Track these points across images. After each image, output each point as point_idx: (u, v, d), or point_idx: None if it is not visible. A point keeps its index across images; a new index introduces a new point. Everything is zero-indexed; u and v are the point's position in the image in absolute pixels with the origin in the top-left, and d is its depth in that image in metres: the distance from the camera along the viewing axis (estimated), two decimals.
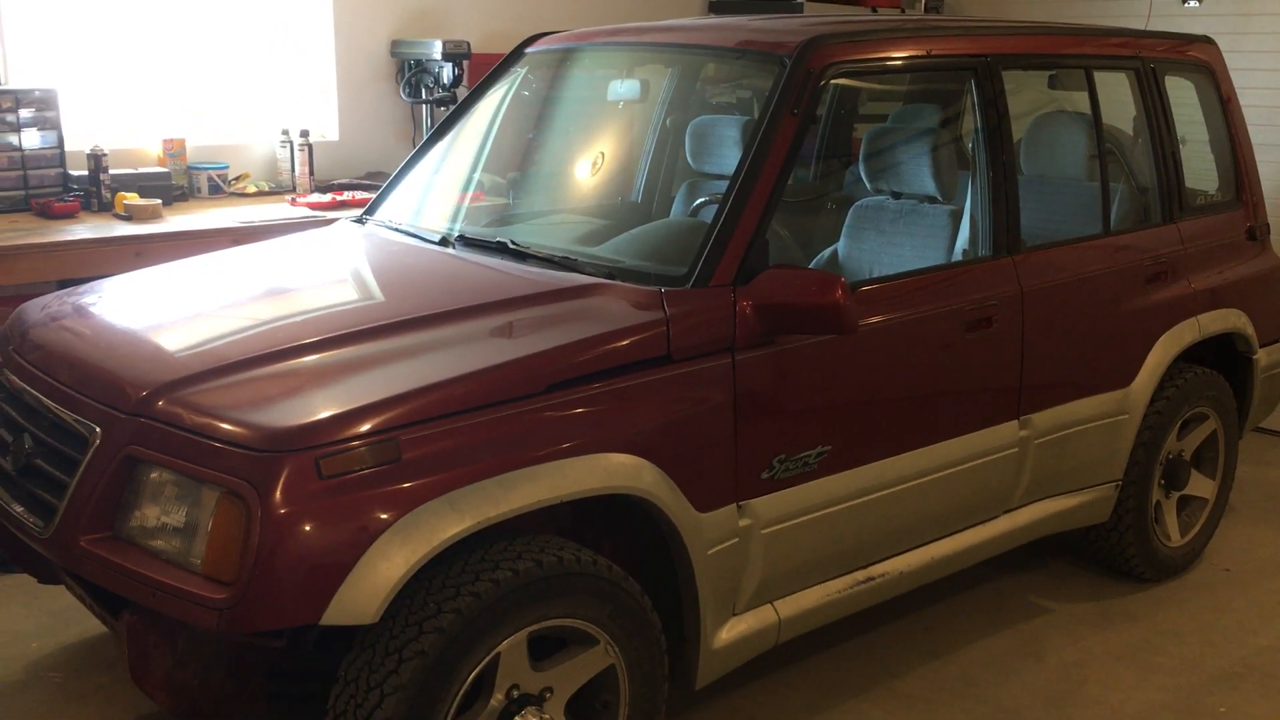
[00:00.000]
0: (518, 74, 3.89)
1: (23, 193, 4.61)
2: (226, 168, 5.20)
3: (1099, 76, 3.85)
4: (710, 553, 2.77)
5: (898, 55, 3.31)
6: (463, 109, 3.90)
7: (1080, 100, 3.92)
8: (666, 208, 4.21)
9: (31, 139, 4.62)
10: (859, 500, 3.09)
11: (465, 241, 3.29)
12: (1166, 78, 4.05)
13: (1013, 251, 3.44)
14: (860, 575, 3.21)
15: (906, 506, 3.23)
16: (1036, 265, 3.49)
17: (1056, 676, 3.52)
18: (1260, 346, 4.25)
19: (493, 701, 2.47)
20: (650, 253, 3.22)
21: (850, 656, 3.57)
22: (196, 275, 3.35)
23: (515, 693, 2.50)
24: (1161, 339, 3.87)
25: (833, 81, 3.11)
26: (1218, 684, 3.51)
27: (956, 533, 3.45)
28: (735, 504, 2.83)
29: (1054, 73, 3.95)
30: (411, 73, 5.64)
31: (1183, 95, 4.19)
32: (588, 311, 2.76)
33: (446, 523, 2.32)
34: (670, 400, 2.69)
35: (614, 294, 2.82)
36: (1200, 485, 4.19)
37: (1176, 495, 4.13)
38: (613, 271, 2.94)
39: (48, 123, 4.65)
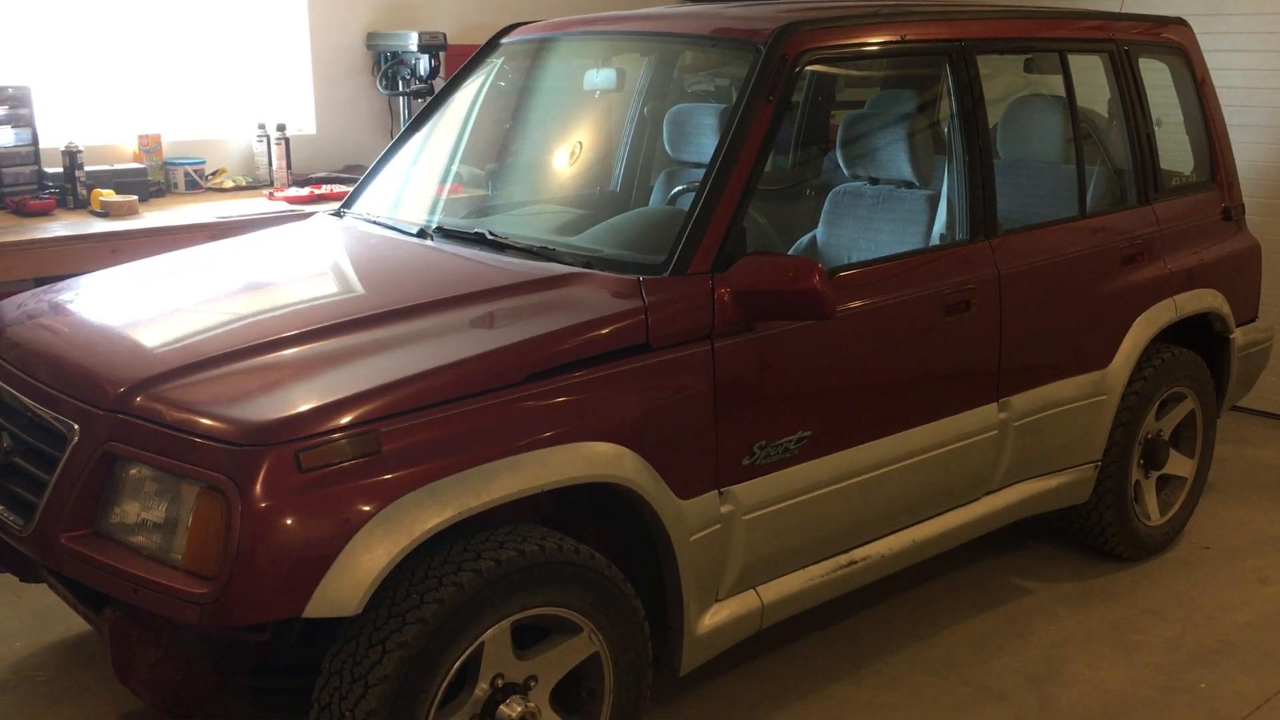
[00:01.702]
0: (494, 65, 3.89)
1: None
2: (203, 163, 5.18)
3: (1074, 59, 3.86)
4: (692, 539, 2.78)
5: (872, 41, 3.32)
6: (439, 101, 3.90)
7: (1055, 83, 3.94)
8: (645, 196, 4.21)
9: (5, 136, 4.59)
10: (840, 485, 3.11)
11: (443, 233, 3.29)
12: (1141, 60, 4.07)
13: (990, 235, 3.46)
14: (843, 559, 3.22)
15: (888, 490, 3.25)
16: (1013, 248, 3.51)
17: (1039, 656, 3.55)
18: (1236, 326, 4.29)
19: (477, 691, 2.48)
20: (628, 241, 3.22)
21: (834, 640, 3.59)
22: (174, 271, 3.34)
23: (499, 682, 2.50)
24: (1139, 320, 3.90)
25: (808, 68, 3.11)
26: (1198, 661, 3.55)
27: (937, 516, 3.47)
28: (716, 490, 2.84)
29: (1029, 56, 3.97)
30: (388, 65, 5.62)
31: (1157, 77, 4.21)
32: (566, 301, 2.77)
33: (428, 514, 2.32)
34: (650, 388, 2.70)
35: (592, 283, 2.83)
36: (1179, 464, 4.21)
37: (1155, 475, 4.15)
38: (591, 261, 2.95)
39: (21, 120, 4.63)
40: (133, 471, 2.38)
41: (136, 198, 4.62)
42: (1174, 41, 4.24)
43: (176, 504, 2.31)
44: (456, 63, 4.30)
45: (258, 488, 2.20)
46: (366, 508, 2.27)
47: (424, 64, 5.49)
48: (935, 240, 3.48)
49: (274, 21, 5.49)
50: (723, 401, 2.81)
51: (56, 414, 2.53)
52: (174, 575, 2.27)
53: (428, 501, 2.33)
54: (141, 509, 2.35)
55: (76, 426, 2.46)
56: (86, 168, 4.70)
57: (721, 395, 2.81)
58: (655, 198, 4.13)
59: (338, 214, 3.71)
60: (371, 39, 5.64)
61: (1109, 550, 4.08)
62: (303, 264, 3.38)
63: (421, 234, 3.32)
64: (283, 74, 5.56)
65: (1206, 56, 4.37)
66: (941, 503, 3.48)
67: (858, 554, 3.26)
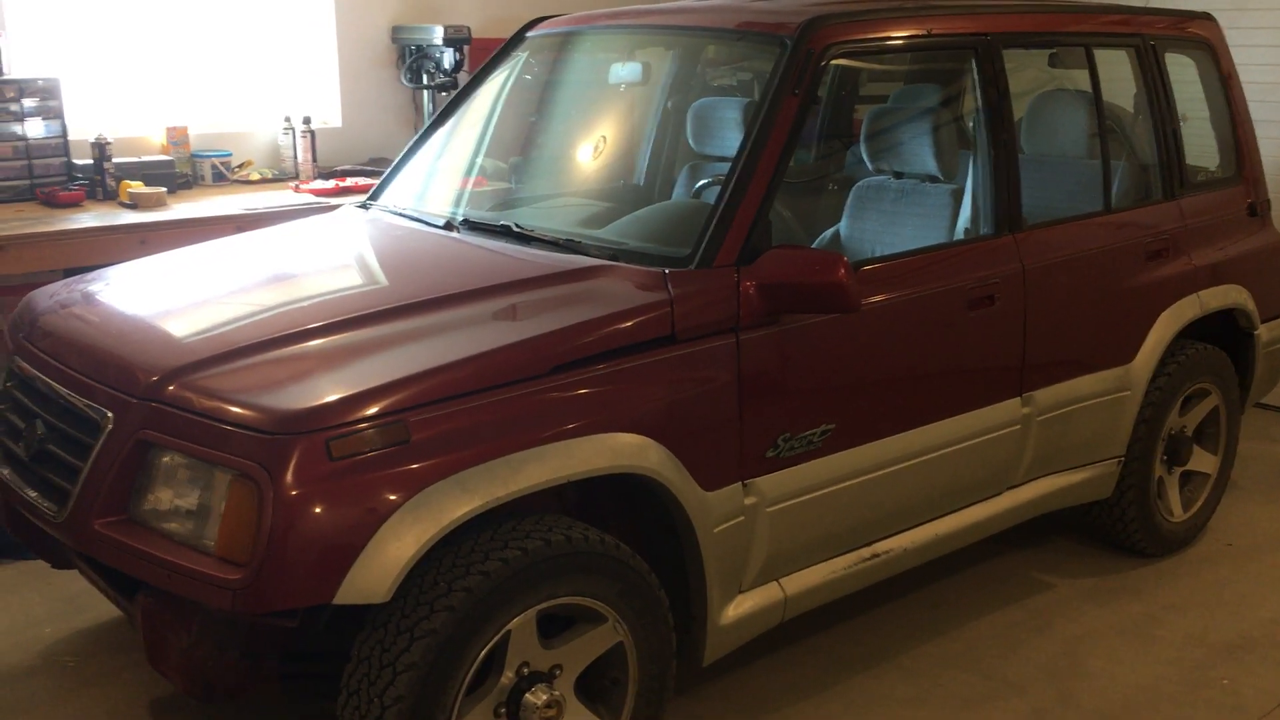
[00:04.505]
0: (519, 58, 3.90)
1: (28, 182, 4.64)
2: (230, 155, 5.22)
3: (1099, 54, 3.85)
4: (716, 531, 2.80)
5: (898, 35, 3.32)
6: (465, 94, 3.92)
7: (1081, 78, 3.93)
8: (669, 190, 4.22)
9: (35, 128, 4.64)
10: (863, 478, 3.12)
11: (469, 225, 3.31)
12: (1167, 55, 4.05)
13: (1014, 230, 3.46)
14: (865, 552, 3.23)
15: (910, 484, 3.26)
16: (1038, 243, 3.51)
17: (1060, 651, 3.55)
18: (1261, 322, 4.27)
19: (503, 679, 2.50)
20: (653, 234, 3.24)
21: (855, 633, 3.60)
22: (203, 262, 3.37)
23: (525, 670, 2.53)
24: (1163, 315, 3.89)
25: (833, 62, 3.12)
26: (1220, 657, 3.54)
27: (960, 510, 3.48)
28: (740, 482, 2.85)
29: (1054, 51, 3.96)
30: (413, 58, 5.65)
31: (1183, 72, 4.20)
32: (592, 293, 2.78)
33: (456, 503, 2.34)
34: (675, 380, 2.71)
35: (618, 275, 2.84)
36: (1202, 461, 4.20)
37: (1179, 471, 4.15)
38: (616, 253, 2.96)
39: (51, 112, 4.67)
40: (166, 459, 2.41)
41: (165, 189, 4.66)
42: (1200, 36, 4.22)
43: (209, 491, 2.34)
44: (481, 56, 4.32)
45: (289, 476, 2.23)
46: (395, 496, 2.29)
47: (449, 57, 5.52)
48: (959, 235, 3.48)
49: (300, 15, 5.52)
50: (747, 394, 2.82)
51: (90, 402, 2.56)
52: (206, 561, 2.31)
53: (456, 491, 2.35)
54: (174, 496, 2.38)
55: (110, 414, 2.49)
56: (115, 160, 4.74)
57: (746, 388, 2.82)
58: (678, 191, 4.14)
59: (364, 206, 3.74)
60: (396, 33, 5.67)
61: (1131, 546, 4.08)
62: (331, 256, 3.41)
63: (448, 226, 3.34)
64: (309, 67, 5.59)
65: (1232, 52, 4.35)
66: (964, 497, 3.48)
67: (880, 547, 3.27)
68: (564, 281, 2.85)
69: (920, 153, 3.56)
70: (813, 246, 3.66)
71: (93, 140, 4.70)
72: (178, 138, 5.05)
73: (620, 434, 2.59)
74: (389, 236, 3.43)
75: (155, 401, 2.44)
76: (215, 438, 2.33)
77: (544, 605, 2.50)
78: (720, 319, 2.78)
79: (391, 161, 3.95)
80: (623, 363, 2.64)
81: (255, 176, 5.21)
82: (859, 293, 2.78)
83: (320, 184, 5.06)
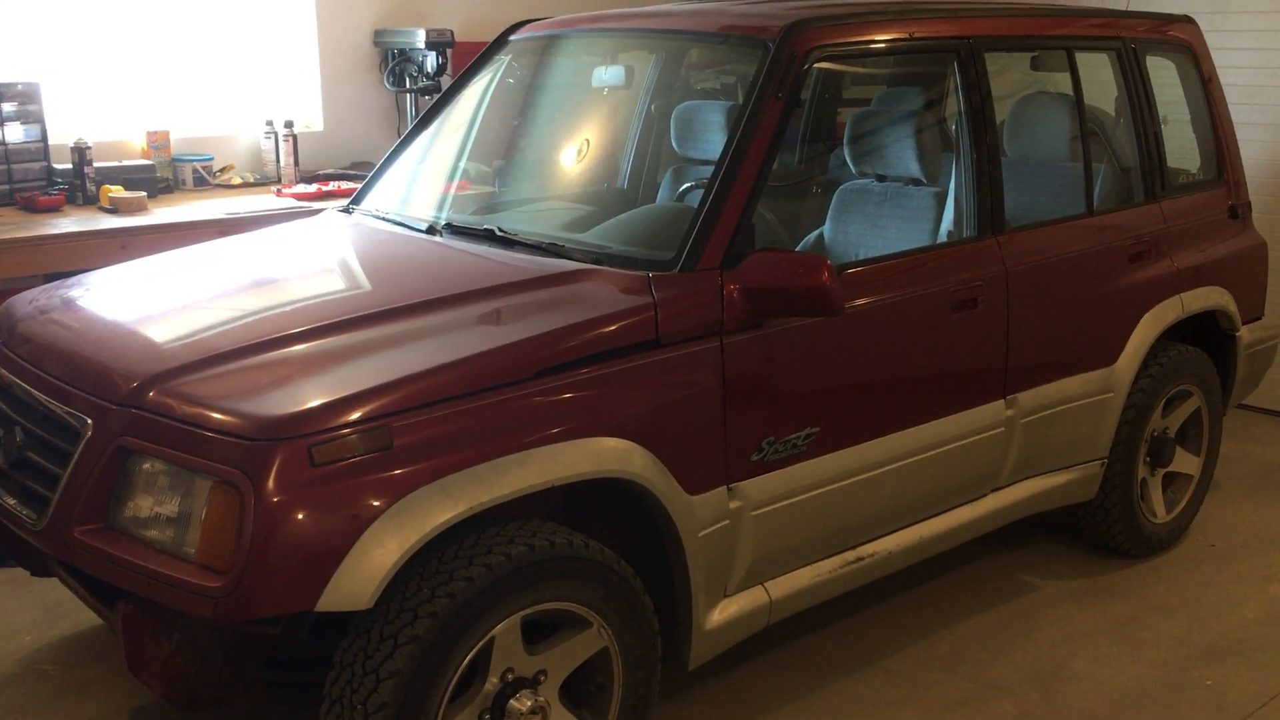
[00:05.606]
0: (502, 62, 3.90)
1: (7, 187, 4.61)
2: (211, 159, 5.20)
3: (1081, 57, 3.87)
4: (701, 535, 2.79)
5: (880, 38, 3.33)
6: (447, 98, 3.91)
7: (1062, 81, 3.94)
8: (652, 193, 4.22)
9: (15, 133, 4.62)
10: (848, 481, 3.12)
11: (452, 229, 3.30)
12: (1148, 58, 4.07)
13: (997, 232, 3.46)
14: (850, 555, 3.23)
15: (895, 486, 3.26)
16: (1021, 246, 3.51)
17: (1045, 653, 3.56)
18: (1243, 323, 4.29)
19: (487, 685, 2.49)
20: (637, 238, 3.23)
21: (841, 636, 3.60)
22: (184, 267, 3.35)
23: (510, 676, 2.51)
24: (1145, 317, 3.90)
25: (816, 65, 3.12)
26: (1204, 658, 3.55)
27: (945, 512, 3.48)
28: (725, 486, 2.85)
29: (1036, 54, 3.97)
30: (395, 62, 5.64)
31: (1164, 75, 4.22)
32: (576, 297, 2.78)
33: (439, 508, 2.33)
34: (659, 384, 2.71)
35: (601, 279, 2.84)
36: (1185, 462, 4.22)
37: (1162, 472, 4.16)
38: (600, 257, 2.96)
39: (31, 116, 4.65)
40: (146, 466, 2.39)
41: (145, 194, 4.64)
42: (1181, 39, 4.24)
43: (190, 498, 2.32)
44: (463, 60, 4.31)
45: (270, 482, 2.22)
46: (378, 502, 2.28)
47: (431, 61, 5.51)
48: (943, 237, 3.49)
49: (282, 18, 5.50)
50: (732, 397, 2.82)
51: (69, 408, 2.54)
52: (187, 569, 2.29)
53: (439, 496, 2.34)
54: (155, 503, 2.37)
55: (90, 421, 2.47)
56: (95, 164, 4.72)
57: (730, 391, 2.81)
58: (662, 195, 4.14)
59: (346, 211, 3.73)
60: (379, 36, 5.65)
61: (1115, 547, 4.09)
62: (313, 260, 3.40)
63: (430, 230, 3.33)
64: (290, 71, 5.57)
65: (1213, 54, 4.37)
66: (948, 499, 3.48)
67: (865, 550, 3.27)
68: (547, 286, 2.84)
69: (903, 156, 3.56)
70: (796, 250, 3.67)
71: (73, 144, 4.68)
72: (158, 142, 5.03)
73: (604, 438, 2.58)
74: (372, 241, 3.42)
75: (135, 408, 2.42)
76: (196, 444, 2.32)
77: (528, 611, 2.49)
78: (704, 323, 2.78)
79: (374, 165, 3.93)
80: (606, 367, 2.63)
81: (237, 181, 5.19)
82: (843, 296, 2.78)
83: (302, 188, 5.04)
